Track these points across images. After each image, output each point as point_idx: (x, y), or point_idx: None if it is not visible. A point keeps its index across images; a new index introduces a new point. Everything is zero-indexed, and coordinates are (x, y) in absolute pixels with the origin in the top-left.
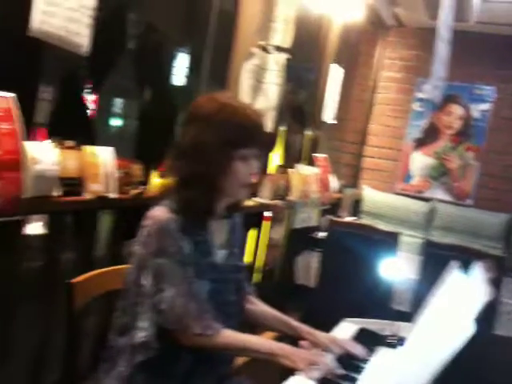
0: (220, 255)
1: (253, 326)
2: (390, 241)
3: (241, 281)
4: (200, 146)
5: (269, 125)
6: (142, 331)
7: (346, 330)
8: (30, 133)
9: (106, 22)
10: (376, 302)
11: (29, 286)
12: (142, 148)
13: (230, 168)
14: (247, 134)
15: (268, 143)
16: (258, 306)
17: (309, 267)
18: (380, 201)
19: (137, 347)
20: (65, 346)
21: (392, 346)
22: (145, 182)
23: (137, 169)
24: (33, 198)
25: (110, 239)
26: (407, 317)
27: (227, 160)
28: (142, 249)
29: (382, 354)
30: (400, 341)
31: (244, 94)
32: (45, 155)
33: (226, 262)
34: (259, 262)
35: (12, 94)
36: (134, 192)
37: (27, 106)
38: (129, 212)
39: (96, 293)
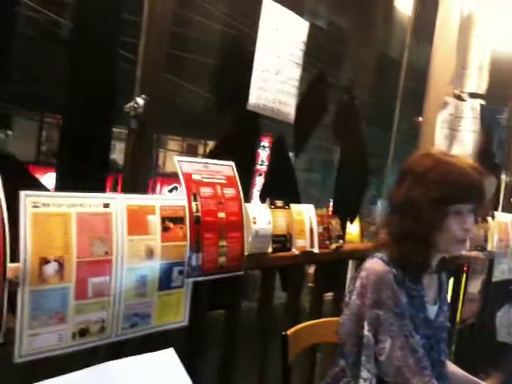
0: (432, 311)
1: None
2: None
3: (445, 341)
4: (411, 203)
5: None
6: (366, 382)
7: None
8: (247, 195)
9: (307, 90)
10: None
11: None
12: (338, 201)
13: (444, 224)
14: (462, 191)
15: (485, 197)
16: (449, 367)
17: (511, 323)
18: None
19: None
20: None
21: None
22: (342, 236)
23: (335, 223)
24: (251, 254)
25: (311, 291)
26: None
27: (440, 217)
28: (358, 299)
29: None
30: None
31: (439, 144)
32: (261, 215)
33: (437, 318)
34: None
35: (232, 163)
36: (333, 246)
37: (245, 171)
38: (327, 265)
39: (306, 344)
